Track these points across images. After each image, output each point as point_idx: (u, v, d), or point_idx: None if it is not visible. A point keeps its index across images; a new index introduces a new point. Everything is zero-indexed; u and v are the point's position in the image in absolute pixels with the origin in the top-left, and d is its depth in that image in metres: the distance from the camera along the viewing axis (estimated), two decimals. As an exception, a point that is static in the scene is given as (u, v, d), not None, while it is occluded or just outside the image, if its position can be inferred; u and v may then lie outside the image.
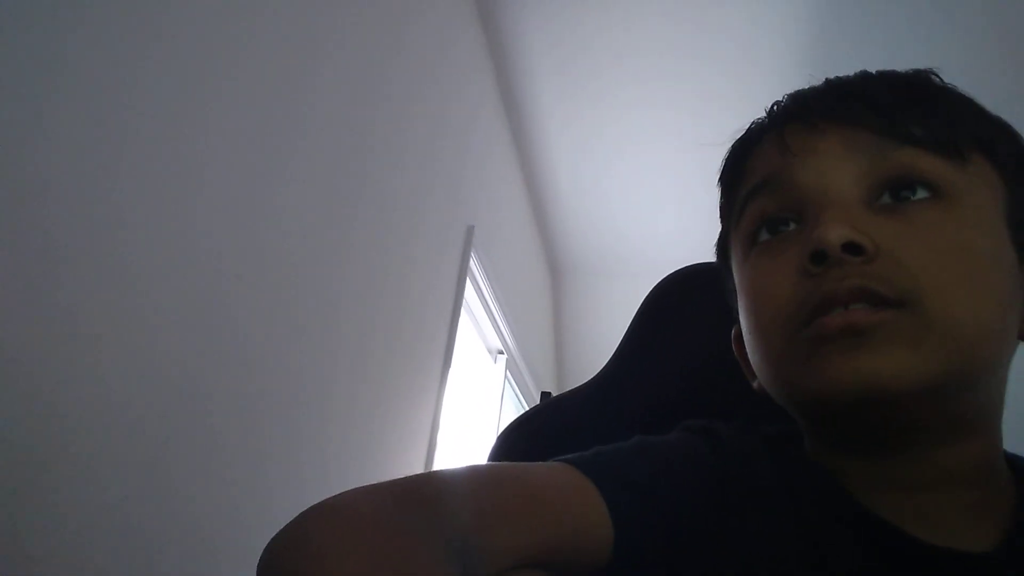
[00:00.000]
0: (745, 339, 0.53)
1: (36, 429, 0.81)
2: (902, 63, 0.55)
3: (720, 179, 0.59)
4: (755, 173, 0.53)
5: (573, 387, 0.79)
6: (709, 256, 0.66)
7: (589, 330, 4.31)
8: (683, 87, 2.88)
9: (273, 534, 0.37)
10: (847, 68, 0.55)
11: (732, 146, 0.58)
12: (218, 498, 1.12)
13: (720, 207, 0.60)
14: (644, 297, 0.78)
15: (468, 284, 2.42)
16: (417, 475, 0.43)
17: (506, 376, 3.11)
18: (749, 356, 0.53)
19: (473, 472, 0.45)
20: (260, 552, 0.37)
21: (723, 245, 0.60)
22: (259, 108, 1.23)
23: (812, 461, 0.52)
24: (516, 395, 3.33)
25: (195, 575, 1.06)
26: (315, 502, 0.39)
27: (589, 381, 0.78)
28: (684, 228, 3.67)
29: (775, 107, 0.56)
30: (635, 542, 0.45)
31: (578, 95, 2.96)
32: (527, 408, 0.82)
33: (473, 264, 2.46)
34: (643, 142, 3.20)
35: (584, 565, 0.45)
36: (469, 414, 2.71)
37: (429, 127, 2.07)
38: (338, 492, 0.40)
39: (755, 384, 0.55)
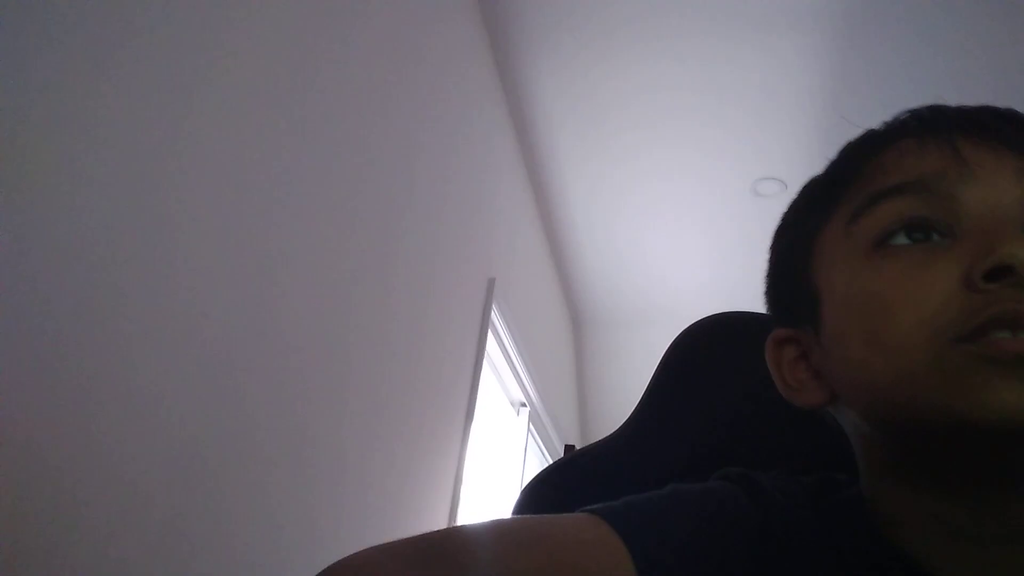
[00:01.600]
0: (843, 347, 0.48)
1: (46, 502, 0.80)
2: (921, 101, 0.54)
3: (830, 171, 0.55)
4: (896, 172, 0.49)
5: (597, 439, 0.77)
6: (730, 306, 0.65)
7: (612, 381, 4.27)
8: (702, 138, 2.90)
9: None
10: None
11: (850, 143, 0.54)
12: (234, 562, 1.10)
13: (812, 200, 0.56)
14: (667, 347, 0.77)
15: (490, 336, 2.42)
16: (438, 531, 0.42)
17: (529, 429, 3.08)
18: (842, 368, 0.49)
19: (495, 528, 0.44)
20: None
21: (803, 242, 0.55)
22: (284, 169, 1.25)
23: (860, 511, 0.49)
24: (539, 448, 3.29)
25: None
26: (334, 560, 0.38)
27: (614, 433, 0.76)
28: (705, 278, 3.67)
29: (918, 115, 0.52)
30: None
31: (597, 146, 2.99)
32: (551, 461, 0.80)
33: (495, 316, 2.45)
34: (662, 192, 3.22)
35: None
36: (492, 468, 2.68)
37: (450, 182, 2.10)
38: (358, 549, 0.39)
39: (798, 400, 0.53)
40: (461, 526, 0.44)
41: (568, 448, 0.78)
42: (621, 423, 0.76)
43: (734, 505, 0.49)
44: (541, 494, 0.74)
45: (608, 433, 0.77)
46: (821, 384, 0.52)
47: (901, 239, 0.47)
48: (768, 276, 0.60)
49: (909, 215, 0.47)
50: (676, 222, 3.39)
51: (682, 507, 0.48)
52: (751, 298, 0.71)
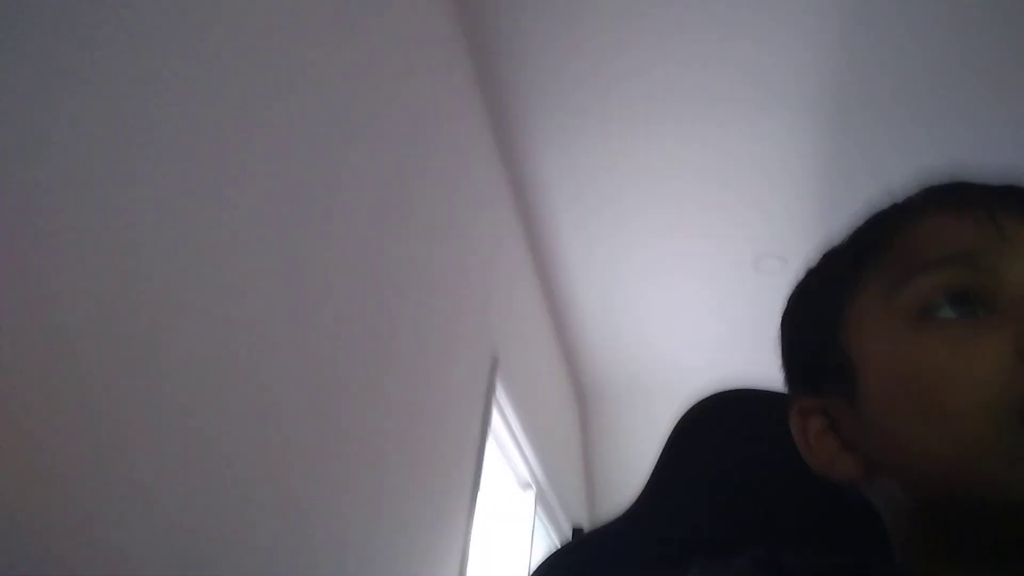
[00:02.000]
0: (888, 420, 0.47)
1: (66, 535, 0.79)
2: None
3: (857, 241, 0.55)
4: (935, 244, 0.49)
5: (605, 517, 0.76)
6: (732, 380, 0.65)
7: (619, 456, 4.21)
8: (702, 220, 2.95)
9: None
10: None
11: (879, 213, 0.54)
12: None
13: (834, 269, 0.56)
14: (671, 423, 0.76)
15: (495, 416, 2.40)
16: None
17: (536, 509, 3.02)
18: (887, 441, 0.47)
19: None
20: None
21: (831, 310, 0.54)
22: (284, 245, 1.26)
23: None
24: (546, 528, 3.22)
25: None
26: None
27: (623, 512, 0.75)
28: (708, 352, 3.66)
29: (951, 188, 0.52)
30: None
31: (599, 220, 3.03)
32: (557, 542, 0.79)
33: (499, 396, 2.44)
34: (664, 273, 3.25)
35: None
36: (499, 549, 2.62)
37: (451, 260, 2.11)
38: None
39: (833, 474, 0.51)
40: None
41: (576, 530, 0.76)
42: (629, 499, 0.75)
43: None
44: (550, 578, 0.72)
45: (616, 511, 0.76)
46: (854, 457, 0.51)
47: (947, 312, 0.46)
48: (787, 343, 0.59)
49: (953, 287, 0.46)
50: (679, 300, 3.41)
51: None
52: (753, 372, 0.71)
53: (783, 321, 0.60)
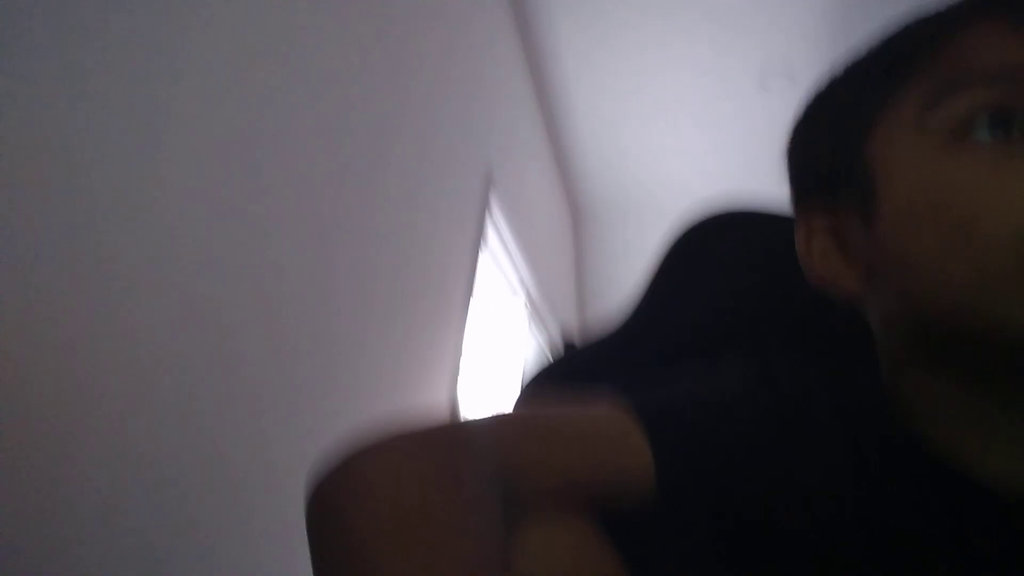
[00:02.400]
0: (907, 240, 0.45)
1: (53, 366, 0.81)
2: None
3: (893, 48, 0.51)
4: (979, 58, 0.45)
5: (596, 333, 0.77)
6: (736, 195, 0.63)
7: (612, 276, 4.29)
8: (707, 18, 2.79)
9: (295, 467, 0.38)
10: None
11: (919, 20, 0.50)
12: (247, 437, 1.12)
13: (867, 75, 0.52)
14: (666, 240, 0.75)
15: (489, 230, 2.40)
16: (457, 422, 0.43)
17: (528, 322, 3.11)
18: (903, 260, 0.46)
19: (513, 417, 0.45)
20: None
21: (859, 119, 0.51)
22: (279, 58, 1.20)
23: (880, 398, 0.49)
24: (538, 341, 3.33)
25: (222, 509, 1.07)
26: (336, 441, 0.39)
27: (614, 325, 0.75)
28: (711, 167, 3.61)
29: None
30: (677, 477, 0.44)
31: (597, 28, 2.88)
32: (549, 355, 0.81)
33: (493, 209, 2.43)
34: (667, 77, 3.13)
35: (625, 504, 0.44)
36: (490, 361, 2.72)
37: (442, 68, 2.03)
38: (357, 434, 0.40)
39: (835, 289, 0.51)
40: (480, 417, 0.44)
41: (568, 345, 0.78)
42: (620, 315, 0.76)
43: (750, 396, 0.49)
44: (540, 389, 0.74)
45: (607, 327, 0.76)
46: (856, 273, 0.50)
47: (984, 135, 0.43)
48: (801, 152, 0.57)
49: (998, 107, 0.43)
50: (681, 115, 3.32)
51: (698, 401, 0.48)
52: (754, 193, 0.69)
53: (798, 129, 0.57)
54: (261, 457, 1.16)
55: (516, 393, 0.75)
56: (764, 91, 3.09)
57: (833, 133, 0.53)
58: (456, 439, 0.41)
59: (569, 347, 0.78)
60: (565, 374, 0.74)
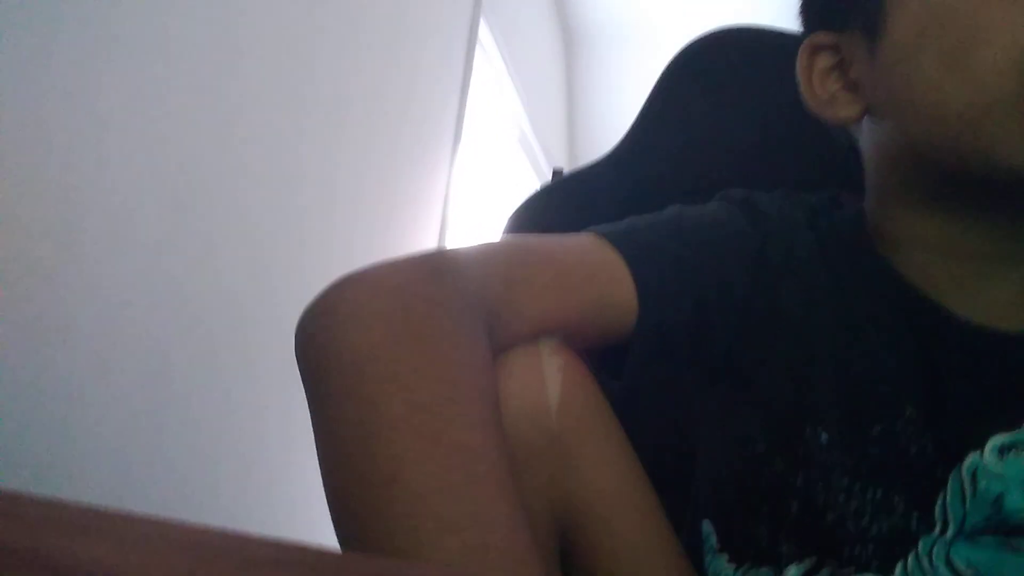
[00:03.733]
0: (909, 64, 0.44)
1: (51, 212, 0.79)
2: None
3: None
4: None
5: (586, 163, 0.75)
6: (737, 20, 0.60)
7: (605, 104, 4.17)
8: None
9: (284, 302, 0.37)
10: None
11: None
12: (225, 286, 1.13)
13: None
14: (667, 64, 0.72)
15: (477, 55, 2.30)
16: (442, 249, 0.44)
17: (518, 151, 3.06)
18: (904, 84, 0.44)
19: (499, 245, 0.44)
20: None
21: None
22: None
23: (858, 228, 0.50)
24: (529, 171, 3.30)
25: (230, 339, 1.10)
26: (325, 278, 0.39)
27: (606, 155, 0.74)
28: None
29: None
30: (660, 307, 0.45)
31: None
32: (539, 185, 0.79)
33: (481, 34, 2.31)
34: None
35: (607, 336, 0.45)
36: (480, 191, 2.70)
37: None
38: (346, 270, 0.39)
39: (828, 112, 0.50)
40: (465, 245, 0.44)
41: (556, 172, 0.77)
42: (614, 146, 0.74)
43: (734, 229, 0.49)
44: (528, 219, 0.73)
45: (598, 157, 0.74)
46: (856, 98, 0.49)
47: None
48: None
49: None
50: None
51: (680, 226, 0.48)
52: (755, 18, 0.66)
53: None
54: (231, 293, 1.17)
55: (503, 223, 0.74)
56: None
57: None
58: (444, 266, 0.41)
59: (557, 174, 0.77)
60: (553, 203, 0.73)
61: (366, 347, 0.34)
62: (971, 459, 0.42)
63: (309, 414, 0.35)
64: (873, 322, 0.46)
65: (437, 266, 0.40)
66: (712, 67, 0.69)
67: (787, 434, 0.46)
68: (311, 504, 1.31)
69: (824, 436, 0.45)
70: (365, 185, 1.59)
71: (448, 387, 0.34)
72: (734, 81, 0.67)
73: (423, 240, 1.93)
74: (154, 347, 0.97)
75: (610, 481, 0.44)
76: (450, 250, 0.43)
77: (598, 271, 0.45)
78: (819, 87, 0.50)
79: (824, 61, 0.51)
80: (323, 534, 0.39)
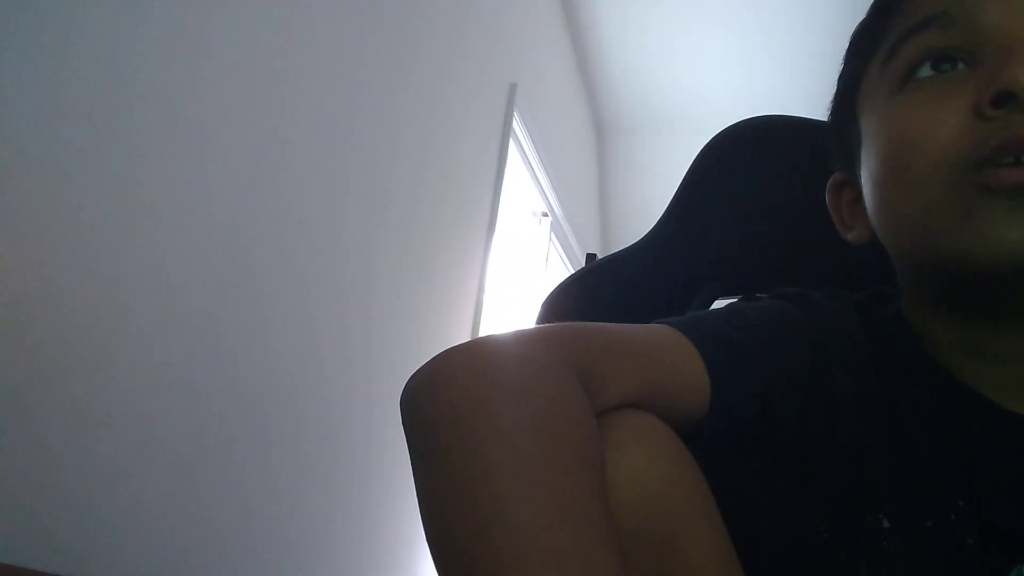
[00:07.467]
0: (874, 187, 0.49)
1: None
2: None
3: (874, 6, 0.53)
4: (923, 6, 0.47)
5: (619, 249, 0.76)
6: (765, 112, 0.62)
7: (635, 190, 4.23)
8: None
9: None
10: None
11: None
12: (274, 371, 1.14)
13: (857, 43, 0.54)
14: (697, 153, 0.73)
15: (512, 145, 2.36)
16: (533, 327, 0.45)
17: (551, 239, 3.09)
18: (874, 206, 0.49)
19: (576, 325, 0.46)
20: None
21: (850, 86, 0.54)
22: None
23: (901, 325, 0.52)
24: (561, 258, 3.33)
25: (277, 421, 1.10)
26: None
27: (640, 240, 0.74)
28: (738, 82, 3.50)
29: None
30: (730, 393, 0.45)
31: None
32: (572, 271, 0.80)
33: (516, 124, 2.38)
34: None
35: (682, 412, 0.45)
36: (515, 278, 2.72)
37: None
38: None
39: (850, 236, 0.54)
40: (550, 326, 0.45)
41: (590, 256, 0.78)
42: (644, 233, 0.75)
43: (789, 318, 0.51)
44: (563, 303, 0.74)
45: (630, 243, 0.75)
46: (868, 222, 0.52)
47: (926, 71, 0.46)
48: (829, 115, 0.58)
49: (934, 47, 0.45)
50: (710, 25, 3.20)
51: (742, 317, 0.50)
52: (783, 110, 0.67)
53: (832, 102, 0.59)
54: (274, 377, 1.18)
55: (538, 307, 0.74)
56: (801, 3, 2.96)
57: (837, 101, 0.56)
58: (534, 336, 0.42)
59: (591, 258, 0.78)
60: (590, 288, 0.74)
61: (471, 403, 0.36)
62: None
63: (412, 471, 0.37)
64: (922, 414, 0.47)
65: (532, 336, 0.42)
66: (747, 152, 0.70)
67: (850, 521, 0.45)
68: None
69: (887, 523, 0.44)
70: (403, 273, 1.62)
71: (544, 436, 0.35)
72: (766, 166, 0.68)
73: (459, 324, 1.94)
74: (193, 430, 0.98)
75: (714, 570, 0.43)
76: (537, 327, 0.45)
77: (673, 355, 0.46)
78: (847, 217, 0.55)
79: (848, 194, 0.55)
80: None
